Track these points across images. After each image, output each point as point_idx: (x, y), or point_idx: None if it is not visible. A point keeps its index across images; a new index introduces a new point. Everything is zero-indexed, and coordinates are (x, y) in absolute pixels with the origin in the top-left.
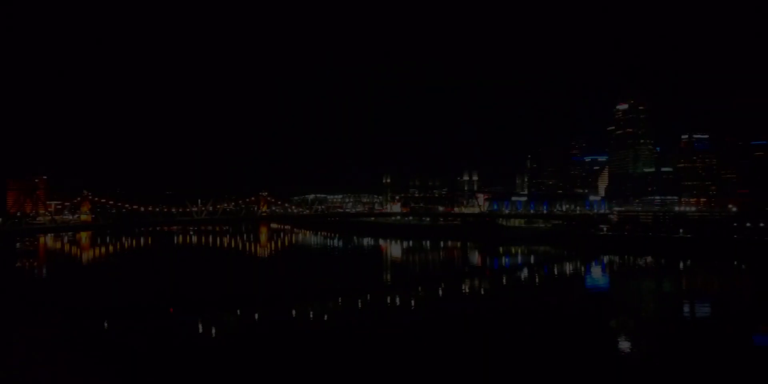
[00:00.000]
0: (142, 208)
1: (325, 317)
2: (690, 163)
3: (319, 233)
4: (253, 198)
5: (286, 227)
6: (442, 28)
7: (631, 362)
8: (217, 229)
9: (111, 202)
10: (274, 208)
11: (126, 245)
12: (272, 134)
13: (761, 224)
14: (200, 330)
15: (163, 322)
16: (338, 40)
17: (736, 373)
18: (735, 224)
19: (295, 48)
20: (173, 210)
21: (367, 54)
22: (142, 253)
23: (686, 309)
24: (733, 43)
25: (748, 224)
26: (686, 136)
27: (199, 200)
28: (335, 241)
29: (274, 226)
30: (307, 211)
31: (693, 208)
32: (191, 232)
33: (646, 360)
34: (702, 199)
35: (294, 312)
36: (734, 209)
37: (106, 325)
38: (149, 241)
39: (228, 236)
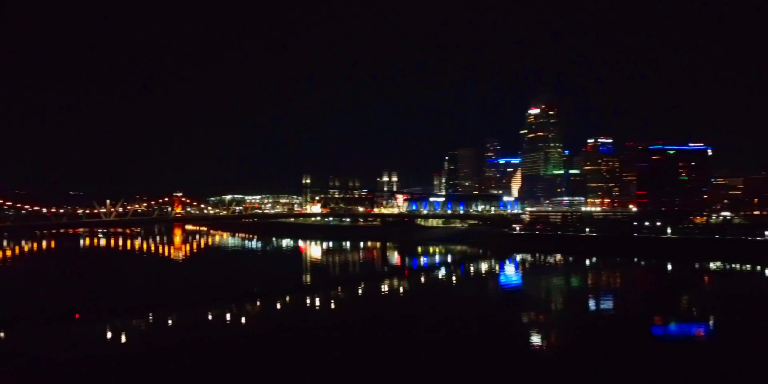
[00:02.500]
0: (45, 210)
1: (243, 321)
2: (595, 166)
3: (236, 235)
4: (167, 198)
5: (203, 229)
6: (360, 30)
7: (542, 356)
8: (128, 231)
9: (9, 204)
10: (189, 209)
11: (26, 249)
12: (188, 133)
13: (657, 223)
14: (108, 337)
15: (69, 328)
16: (254, 37)
17: (637, 362)
18: (635, 223)
19: (208, 43)
20: (79, 211)
21: (286, 53)
22: (44, 256)
23: (592, 303)
24: (637, 51)
25: (646, 223)
26: (592, 141)
27: (108, 201)
28: (253, 242)
29: (189, 227)
30: (225, 212)
31: (598, 209)
32: (99, 235)
33: (556, 354)
34: (606, 200)
35: (209, 316)
36: (634, 209)
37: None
38: (52, 244)
39: (140, 238)
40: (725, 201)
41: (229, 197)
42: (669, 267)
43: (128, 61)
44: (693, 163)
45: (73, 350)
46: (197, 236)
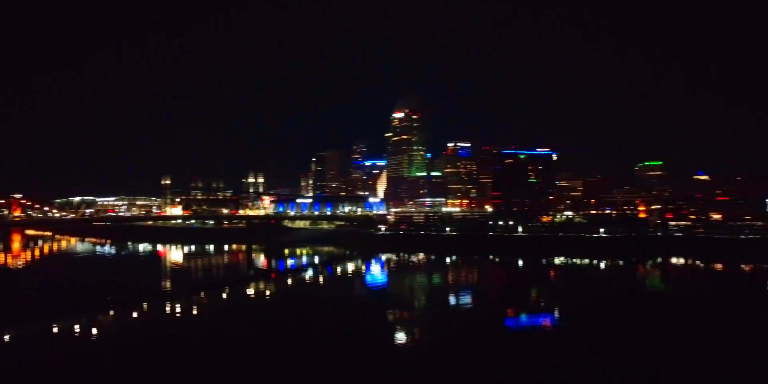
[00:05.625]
0: None
1: (94, 332)
2: (455, 169)
3: (86, 240)
4: (3, 201)
5: (47, 233)
6: (227, 29)
7: (407, 352)
8: None
9: None
10: (30, 212)
11: None
12: (31, 130)
13: (510, 222)
14: None
15: None
16: (110, 34)
17: (493, 353)
18: (491, 223)
19: (58, 39)
20: None
21: (148, 50)
22: None
23: (452, 299)
24: (493, 61)
25: (500, 222)
26: (452, 145)
27: None
28: (106, 248)
29: (30, 232)
30: (73, 215)
31: (458, 209)
32: None
33: (420, 349)
34: (465, 201)
35: (55, 329)
36: (490, 209)
37: None
38: None
39: None
40: (567, 202)
41: (77, 199)
42: (520, 263)
43: None
44: (540, 167)
45: None
46: (39, 242)
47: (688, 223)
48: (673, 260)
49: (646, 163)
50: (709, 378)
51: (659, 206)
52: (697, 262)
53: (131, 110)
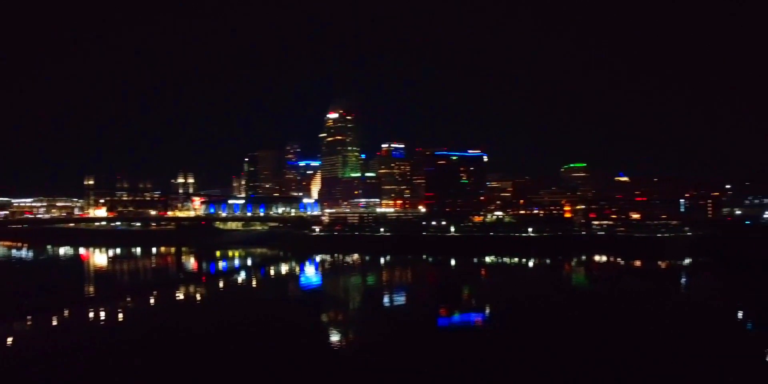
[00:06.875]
0: None
1: (9, 342)
2: (389, 170)
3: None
4: None
5: None
6: (160, 26)
7: (341, 353)
8: None
9: None
10: None
11: None
12: None
13: (443, 222)
14: None
15: None
16: (29, 31)
17: (426, 351)
18: (424, 223)
19: None
20: None
21: (74, 45)
22: None
23: (386, 300)
24: (427, 63)
25: (433, 223)
26: (386, 146)
27: None
28: (23, 252)
29: None
30: None
31: (392, 210)
32: None
33: (354, 349)
34: (399, 202)
35: None
36: (423, 210)
37: None
38: None
39: None
40: (498, 202)
41: None
42: (453, 262)
43: None
44: (472, 168)
45: None
46: None
47: (610, 223)
48: (597, 258)
49: (571, 165)
50: (631, 368)
51: (583, 206)
52: (618, 259)
53: (50, 107)
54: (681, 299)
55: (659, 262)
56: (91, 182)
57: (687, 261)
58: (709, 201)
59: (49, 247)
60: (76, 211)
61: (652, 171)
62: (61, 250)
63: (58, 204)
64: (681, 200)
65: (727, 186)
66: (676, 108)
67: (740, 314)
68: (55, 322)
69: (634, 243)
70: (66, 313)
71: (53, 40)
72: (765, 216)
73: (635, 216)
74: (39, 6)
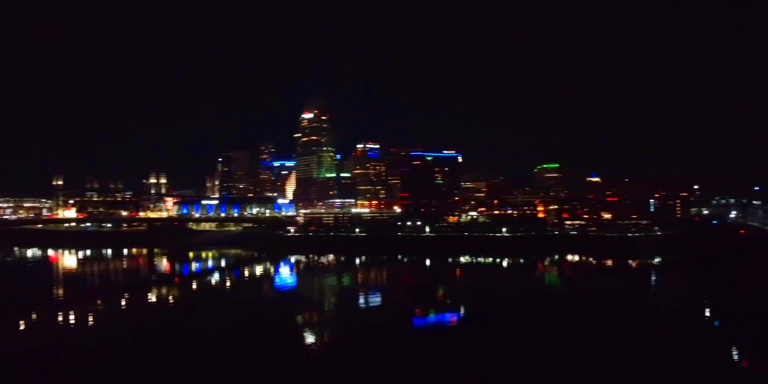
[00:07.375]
0: None
1: None
2: (364, 170)
3: None
4: None
5: None
6: (138, 25)
7: (316, 354)
8: None
9: None
10: None
11: None
12: None
13: (418, 223)
14: None
15: None
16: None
17: (402, 351)
18: (399, 223)
19: None
20: None
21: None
22: None
23: (362, 300)
24: (402, 64)
25: (408, 223)
26: (361, 146)
27: None
28: None
29: None
30: None
31: (367, 210)
32: None
33: (329, 350)
34: (374, 202)
35: None
36: (399, 210)
37: None
38: None
39: None
40: (472, 202)
41: None
42: (428, 262)
43: None
44: (447, 169)
45: None
46: None
47: (582, 223)
48: (569, 257)
49: (544, 166)
50: (604, 365)
51: (556, 206)
52: (590, 258)
53: (18, 105)
54: (651, 297)
55: (630, 261)
56: (60, 182)
57: (657, 260)
58: (678, 201)
59: (16, 248)
60: (45, 212)
61: (622, 171)
62: (29, 252)
63: (26, 205)
64: (651, 200)
65: (695, 186)
66: (647, 110)
67: (707, 312)
68: (22, 327)
69: (605, 242)
70: (33, 316)
71: (17, 40)
72: (731, 215)
73: (606, 216)
74: (6, 4)
